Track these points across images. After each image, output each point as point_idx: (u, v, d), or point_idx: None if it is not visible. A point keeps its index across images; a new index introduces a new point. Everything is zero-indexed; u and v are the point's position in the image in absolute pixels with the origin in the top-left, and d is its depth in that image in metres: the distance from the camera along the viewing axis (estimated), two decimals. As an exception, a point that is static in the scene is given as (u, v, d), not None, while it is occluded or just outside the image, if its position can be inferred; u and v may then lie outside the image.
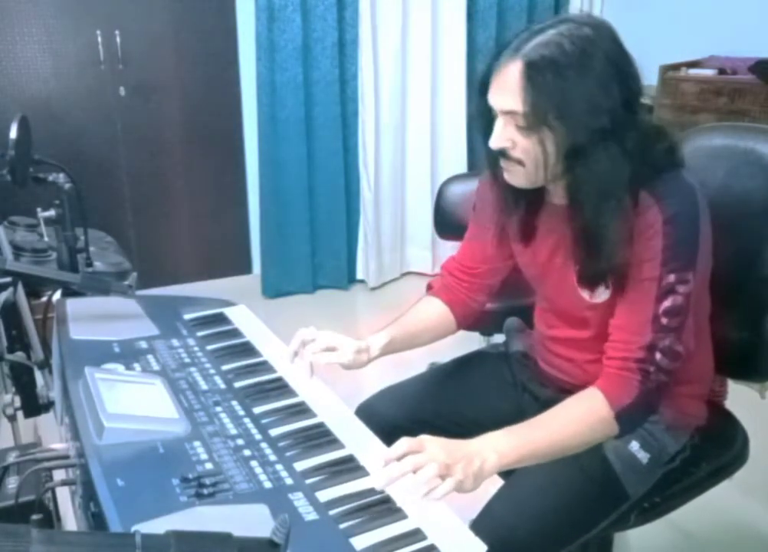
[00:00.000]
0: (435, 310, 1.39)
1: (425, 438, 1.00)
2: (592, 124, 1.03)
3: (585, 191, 1.09)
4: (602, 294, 1.17)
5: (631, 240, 1.08)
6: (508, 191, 1.21)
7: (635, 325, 1.10)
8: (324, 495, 0.94)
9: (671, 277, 1.08)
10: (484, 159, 1.22)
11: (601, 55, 1.03)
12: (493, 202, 1.28)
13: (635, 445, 1.21)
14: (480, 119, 1.15)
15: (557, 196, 1.19)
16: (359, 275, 3.79)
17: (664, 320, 1.08)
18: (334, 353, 1.21)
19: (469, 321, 1.42)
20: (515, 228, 1.28)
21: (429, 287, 1.46)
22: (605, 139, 1.04)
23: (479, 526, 1.09)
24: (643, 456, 1.21)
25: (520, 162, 1.11)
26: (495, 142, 1.10)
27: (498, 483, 1.23)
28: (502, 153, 1.12)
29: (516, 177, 1.14)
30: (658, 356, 1.09)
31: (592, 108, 1.03)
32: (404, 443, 0.98)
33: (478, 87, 1.13)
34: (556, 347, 1.34)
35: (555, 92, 1.02)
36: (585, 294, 1.19)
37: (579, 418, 1.10)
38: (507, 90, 1.06)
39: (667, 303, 1.08)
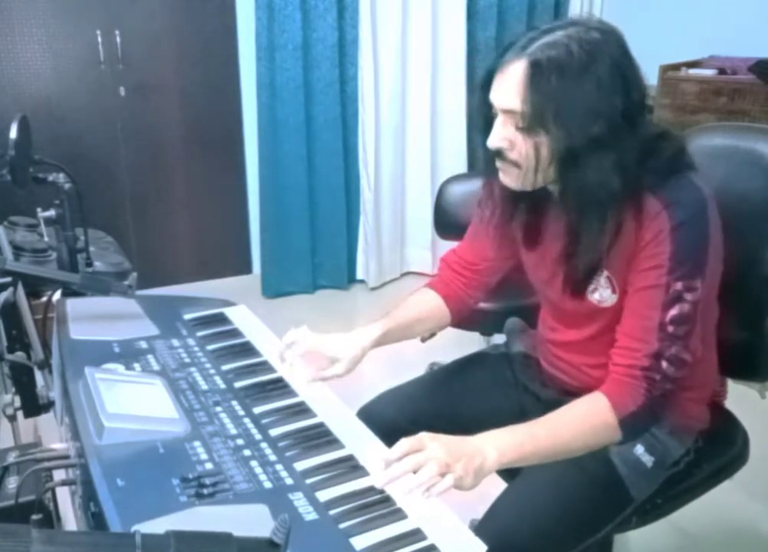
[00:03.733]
0: (430, 302, 1.39)
1: (425, 436, 1.00)
2: (589, 131, 1.02)
3: (572, 197, 1.09)
4: (610, 299, 1.16)
5: (633, 244, 1.08)
6: (510, 193, 1.20)
7: (641, 332, 1.09)
8: (324, 495, 0.94)
9: (679, 285, 1.06)
10: (481, 158, 1.22)
11: (607, 61, 1.02)
12: (496, 201, 1.27)
13: (639, 449, 1.20)
14: (481, 117, 1.14)
15: (559, 201, 1.18)
16: (359, 275, 3.79)
17: (670, 328, 1.07)
18: (331, 369, 1.23)
19: (463, 316, 1.41)
20: (520, 232, 1.28)
21: (433, 280, 1.46)
22: (599, 148, 1.03)
23: (483, 529, 1.09)
24: (648, 460, 1.20)
25: (515, 164, 1.11)
26: (493, 141, 1.10)
27: (502, 485, 1.23)
28: (498, 154, 1.12)
29: (510, 178, 1.14)
30: (664, 364, 1.08)
31: (591, 114, 1.02)
32: (404, 443, 0.98)
33: (481, 83, 1.12)
34: (557, 350, 1.34)
35: (556, 94, 1.01)
36: (593, 299, 1.18)
37: (582, 421, 1.09)
38: (509, 88, 1.05)
39: (674, 311, 1.07)
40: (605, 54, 1.02)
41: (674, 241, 1.05)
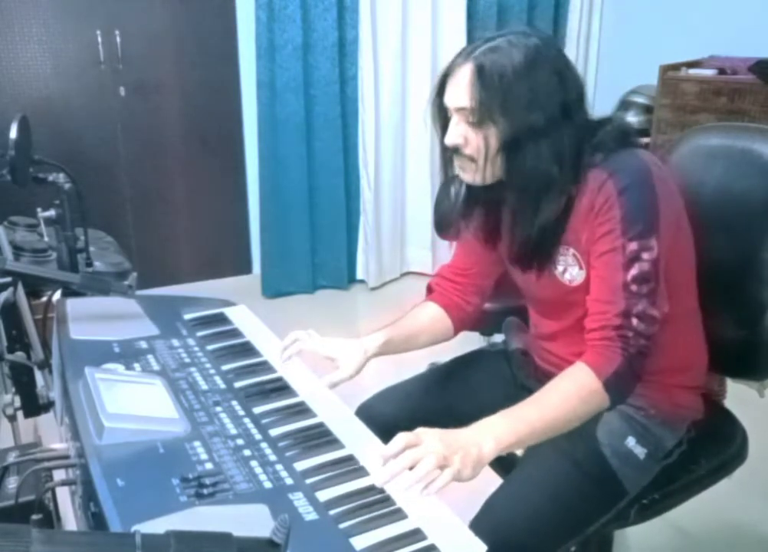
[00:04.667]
0: (432, 314, 1.41)
1: (421, 431, 1.00)
2: (529, 121, 1.13)
3: (514, 181, 1.19)
4: (579, 275, 1.21)
5: (586, 215, 1.15)
6: (467, 192, 1.30)
7: (608, 294, 1.14)
8: (324, 495, 0.94)
9: (634, 245, 1.11)
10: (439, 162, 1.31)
11: (544, 61, 1.14)
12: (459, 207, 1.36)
13: (631, 441, 1.22)
14: (438, 121, 1.25)
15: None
16: (359, 275, 3.79)
17: (633, 287, 1.12)
18: (337, 373, 1.24)
19: (466, 325, 1.44)
20: (480, 232, 1.34)
21: (429, 288, 1.47)
22: (539, 136, 1.13)
23: (478, 525, 1.10)
24: (640, 451, 1.22)
25: (471, 159, 1.19)
26: (450, 138, 1.20)
27: (497, 481, 1.23)
28: (455, 151, 1.21)
29: (469, 174, 1.22)
30: (634, 321, 1.11)
31: (531, 106, 1.12)
32: (401, 438, 0.98)
33: (436, 89, 1.23)
34: (545, 344, 1.37)
35: (499, 90, 1.13)
36: (564, 280, 1.23)
37: (569, 393, 1.11)
38: (459, 89, 1.17)
39: (633, 270, 1.12)
40: (542, 55, 1.14)
41: (622, 204, 1.12)
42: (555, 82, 1.14)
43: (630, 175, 1.13)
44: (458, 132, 1.18)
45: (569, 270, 1.22)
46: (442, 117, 1.23)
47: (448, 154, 1.24)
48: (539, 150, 1.14)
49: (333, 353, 1.26)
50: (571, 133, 1.15)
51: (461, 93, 1.16)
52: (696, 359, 1.31)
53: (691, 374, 1.30)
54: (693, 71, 3.16)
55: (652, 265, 1.12)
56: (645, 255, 1.11)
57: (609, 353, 1.11)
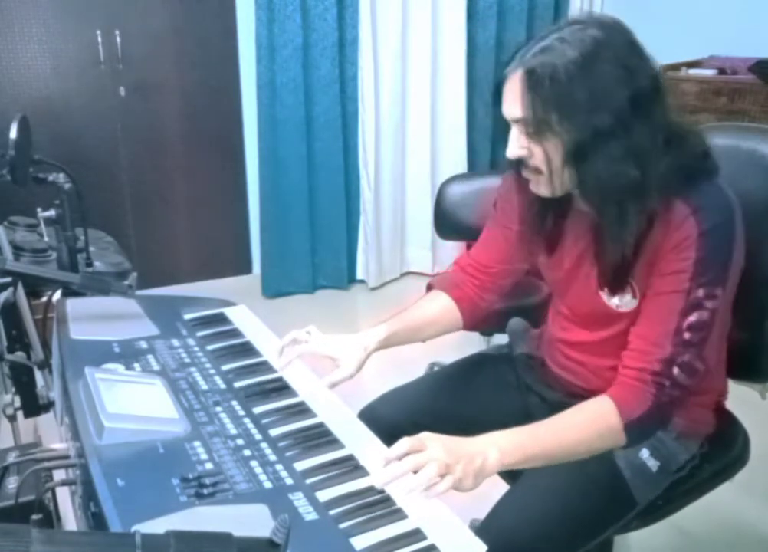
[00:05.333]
0: (441, 305, 1.37)
1: (426, 436, 0.99)
2: (593, 124, 1.03)
3: (590, 192, 1.10)
4: (629, 303, 1.16)
5: (659, 248, 1.08)
6: (536, 201, 1.21)
7: (656, 336, 1.08)
8: (324, 495, 0.94)
9: (700, 292, 1.06)
10: (508, 168, 1.23)
11: (605, 55, 1.03)
12: (517, 204, 1.27)
13: (645, 453, 1.20)
14: (504, 131, 1.15)
15: (581, 202, 1.18)
16: (359, 275, 3.79)
17: (686, 335, 1.06)
18: (337, 372, 1.21)
19: (477, 319, 1.39)
20: (541, 237, 1.27)
21: (429, 287, 1.46)
22: (607, 139, 1.03)
23: (484, 530, 1.08)
24: (653, 464, 1.20)
25: (537, 171, 1.11)
26: (510, 151, 1.12)
27: (503, 487, 1.23)
28: (521, 163, 1.13)
29: (538, 186, 1.15)
30: (675, 370, 1.07)
31: (592, 108, 1.02)
32: (405, 442, 0.97)
33: (493, 98, 1.14)
34: (568, 350, 1.32)
35: (554, 95, 1.03)
36: (611, 303, 1.17)
37: (587, 423, 1.08)
38: (512, 98, 1.08)
39: (692, 317, 1.06)
40: (600, 49, 1.03)
41: (701, 247, 1.05)
42: (619, 75, 1.02)
43: (715, 216, 1.05)
44: (519, 144, 1.10)
45: (620, 295, 1.16)
46: (504, 127, 1.14)
47: (514, 164, 1.16)
48: (612, 154, 1.04)
49: (333, 353, 1.23)
50: (649, 132, 1.04)
51: (513, 103, 1.07)
52: (719, 382, 1.28)
53: (711, 395, 1.28)
54: (693, 71, 3.16)
55: (711, 315, 1.06)
56: (708, 304, 1.06)
57: (640, 396, 1.07)
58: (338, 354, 1.23)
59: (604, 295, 1.18)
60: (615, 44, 1.04)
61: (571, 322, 1.31)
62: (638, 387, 1.08)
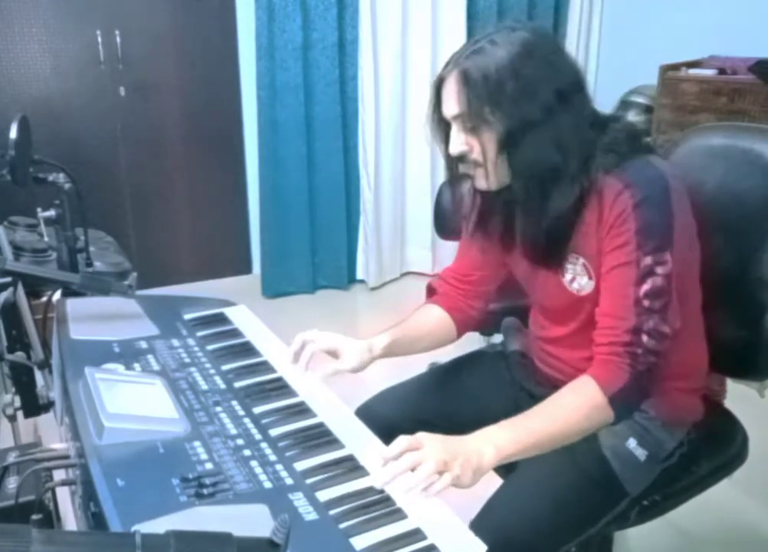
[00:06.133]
0: (435, 316, 1.40)
1: (423, 436, 1.00)
2: (522, 114, 1.10)
3: (520, 178, 1.16)
4: (587, 285, 1.20)
5: (601, 226, 1.13)
6: (483, 202, 1.28)
7: (619, 310, 1.12)
8: (324, 495, 0.94)
9: (648, 260, 1.10)
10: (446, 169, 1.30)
11: (531, 54, 1.11)
12: (471, 214, 1.34)
13: (632, 443, 1.22)
14: (440, 132, 1.23)
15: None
16: (359, 275, 3.79)
17: (646, 303, 1.10)
18: (338, 362, 1.23)
19: (470, 327, 1.44)
20: (496, 238, 1.32)
21: (429, 288, 1.47)
22: (534, 127, 1.11)
23: (478, 525, 1.09)
24: (641, 453, 1.22)
25: (477, 164, 1.18)
26: (453, 147, 1.19)
27: (497, 482, 1.23)
28: (461, 158, 1.20)
29: (480, 180, 1.21)
30: (644, 338, 1.10)
31: (522, 100, 1.10)
32: (402, 441, 0.98)
33: (433, 101, 1.21)
34: (548, 347, 1.36)
35: (486, 90, 1.11)
36: (572, 289, 1.22)
37: (573, 406, 1.10)
38: (449, 97, 1.16)
39: (647, 285, 1.10)
40: (528, 48, 1.12)
41: (638, 217, 1.10)
42: (545, 71, 1.11)
43: (647, 187, 1.11)
44: (460, 140, 1.17)
45: (578, 279, 1.21)
46: (443, 128, 1.22)
47: (455, 163, 1.23)
48: (538, 140, 1.12)
49: (338, 346, 1.25)
50: (571, 119, 1.13)
51: (451, 101, 1.16)
52: (697, 363, 1.30)
53: (692, 378, 1.29)
54: (693, 71, 3.16)
55: (666, 280, 1.10)
56: (659, 270, 1.10)
57: (617, 369, 1.10)
58: (342, 349, 1.25)
59: (565, 282, 1.22)
60: (541, 45, 1.14)
61: (546, 319, 1.35)
62: (613, 361, 1.11)
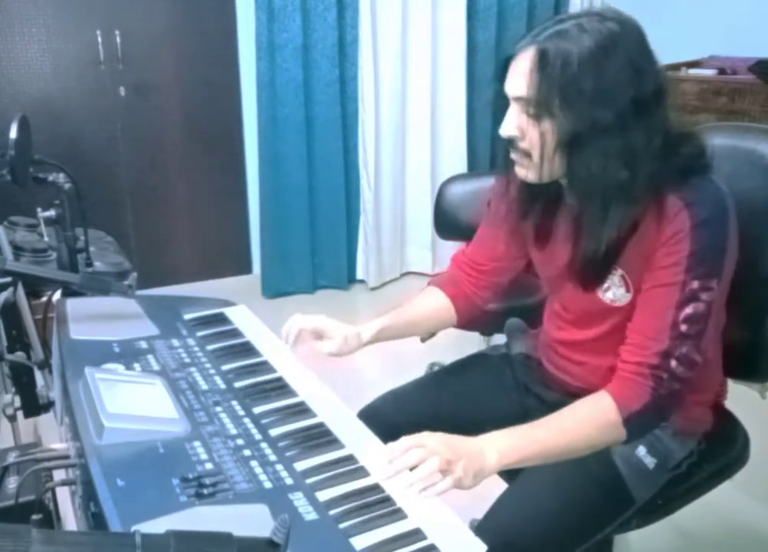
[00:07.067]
0: (437, 301, 1.38)
1: (427, 435, 1.00)
2: (593, 117, 1.03)
3: (577, 184, 1.10)
4: (623, 298, 1.16)
5: (652, 242, 1.08)
6: (524, 192, 1.21)
7: (653, 330, 1.08)
8: (324, 495, 0.94)
9: (695, 284, 1.06)
10: (502, 157, 1.22)
11: (616, 51, 1.03)
12: (508, 202, 1.27)
13: (642, 450, 1.20)
14: (499, 109, 1.15)
15: (570, 195, 1.18)
16: (359, 275, 3.79)
17: (683, 327, 1.06)
18: (322, 343, 1.24)
19: (472, 317, 1.40)
20: (531, 231, 1.27)
21: (440, 279, 1.45)
22: (604, 134, 1.03)
23: (483, 529, 1.09)
24: (650, 461, 1.20)
25: (527, 154, 1.11)
26: (504, 129, 1.11)
27: (502, 485, 1.23)
28: (511, 144, 1.12)
29: (524, 170, 1.14)
30: (673, 363, 1.06)
31: (596, 101, 1.02)
32: (407, 439, 0.98)
33: (498, 74, 1.13)
34: (564, 350, 1.32)
35: (561, 81, 1.03)
36: (606, 298, 1.17)
37: (586, 420, 1.08)
38: (519, 76, 1.07)
39: (688, 310, 1.06)
40: (617, 45, 1.03)
41: (694, 239, 1.05)
42: (628, 74, 1.03)
43: (708, 209, 1.05)
44: (514, 123, 1.09)
45: (613, 290, 1.16)
46: (503, 104, 1.12)
47: (507, 147, 1.15)
48: (606, 150, 1.04)
49: (325, 327, 1.25)
50: (645, 135, 1.05)
51: (519, 80, 1.06)
52: (715, 378, 1.28)
53: (708, 392, 1.28)
54: (693, 71, 3.16)
55: (708, 308, 1.06)
56: (704, 296, 1.06)
57: (638, 390, 1.07)
58: (330, 331, 1.25)
59: (599, 291, 1.17)
60: (629, 43, 1.05)
61: (565, 321, 1.31)
62: (636, 381, 1.08)
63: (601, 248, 1.09)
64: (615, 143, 1.04)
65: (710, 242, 1.06)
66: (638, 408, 1.07)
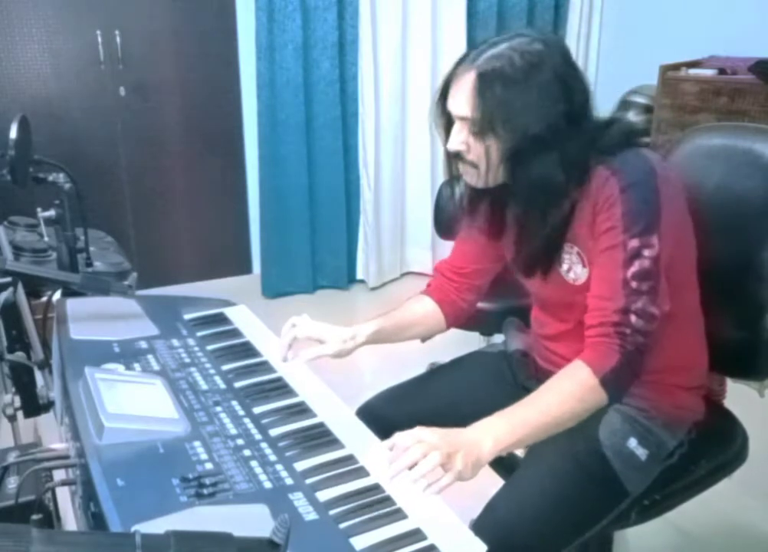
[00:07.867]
0: (425, 308, 1.42)
1: (422, 430, 1.01)
2: (532, 133, 1.12)
3: (520, 192, 1.19)
4: (583, 274, 1.21)
5: (590, 213, 1.15)
6: (471, 192, 1.30)
7: (607, 291, 1.14)
8: (324, 495, 0.94)
9: (635, 242, 1.11)
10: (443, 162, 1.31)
11: (548, 70, 1.12)
12: (459, 205, 1.36)
13: (632, 442, 1.22)
14: (441, 124, 1.25)
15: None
16: (359, 275, 3.80)
17: (634, 284, 1.11)
18: (320, 347, 1.25)
19: (461, 320, 1.45)
20: (484, 225, 1.34)
21: (428, 287, 1.48)
22: (542, 147, 1.12)
23: (480, 526, 1.10)
24: (641, 453, 1.22)
25: (473, 165, 1.20)
26: (452, 145, 1.20)
27: (498, 482, 1.23)
28: (458, 156, 1.21)
29: (471, 178, 1.23)
30: (632, 318, 1.11)
31: (534, 118, 1.11)
32: (402, 437, 0.99)
33: (439, 92, 1.23)
34: (551, 345, 1.37)
35: (501, 102, 1.12)
36: (569, 279, 1.23)
37: (567, 392, 1.11)
38: (462, 97, 1.16)
39: (634, 267, 1.11)
40: (546, 63, 1.12)
41: (624, 201, 1.12)
42: (558, 91, 1.12)
43: (633, 173, 1.13)
44: (460, 139, 1.19)
45: (574, 268, 1.22)
46: (445, 121, 1.23)
47: (451, 156, 1.24)
48: (544, 160, 1.13)
49: (321, 334, 1.26)
50: (577, 140, 1.14)
51: (462, 102, 1.16)
52: (697, 360, 1.31)
53: (692, 374, 1.30)
54: (693, 71, 3.16)
55: (653, 262, 1.11)
56: (646, 252, 1.11)
57: (607, 350, 1.12)
58: (325, 336, 1.27)
59: (561, 272, 1.23)
60: (555, 60, 1.14)
61: (546, 316, 1.37)
62: (602, 342, 1.12)
63: (539, 243, 1.20)
64: (551, 154, 1.13)
65: (641, 201, 1.12)
66: (611, 366, 1.11)
